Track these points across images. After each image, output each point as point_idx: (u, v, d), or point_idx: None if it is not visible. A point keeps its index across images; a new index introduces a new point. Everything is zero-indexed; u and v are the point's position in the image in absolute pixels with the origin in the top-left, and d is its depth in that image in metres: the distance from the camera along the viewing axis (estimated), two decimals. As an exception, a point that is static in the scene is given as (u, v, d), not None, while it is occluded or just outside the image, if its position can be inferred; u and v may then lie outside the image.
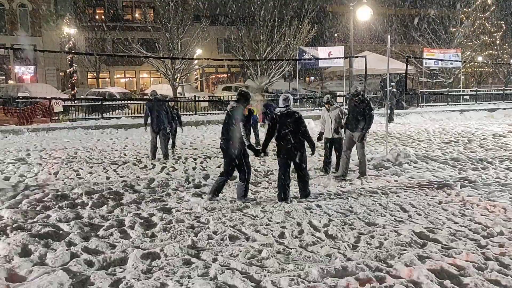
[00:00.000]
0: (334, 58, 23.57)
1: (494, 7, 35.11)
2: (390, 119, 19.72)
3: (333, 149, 9.06)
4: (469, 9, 33.21)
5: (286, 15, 25.56)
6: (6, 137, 16.26)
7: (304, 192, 7.14)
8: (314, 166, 9.53)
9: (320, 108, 21.54)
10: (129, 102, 22.52)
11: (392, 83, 20.60)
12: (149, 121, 10.71)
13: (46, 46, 32.99)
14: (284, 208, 6.44)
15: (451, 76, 32.59)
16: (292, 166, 7.09)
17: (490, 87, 35.86)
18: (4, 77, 34.54)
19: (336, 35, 41.91)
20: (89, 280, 4.20)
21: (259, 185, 8.13)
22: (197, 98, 25.15)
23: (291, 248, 4.96)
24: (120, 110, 22.29)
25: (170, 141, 11.72)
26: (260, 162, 10.22)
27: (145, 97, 26.15)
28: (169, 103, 12.03)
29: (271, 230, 5.56)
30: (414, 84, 34.84)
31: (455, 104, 26.64)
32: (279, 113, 6.94)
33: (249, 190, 7.20)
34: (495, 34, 36.18)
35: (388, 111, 20.07)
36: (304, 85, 37.71)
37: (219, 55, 38.22)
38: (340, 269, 4.32)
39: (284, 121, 6.86)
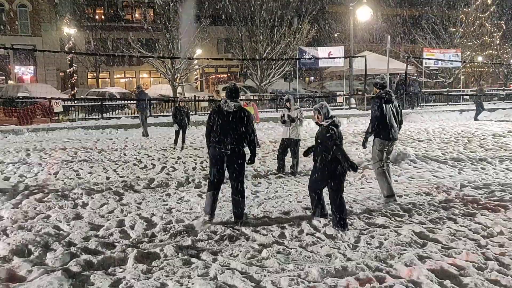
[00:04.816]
0: (334, 58, 23.58)
1: (494, 7, 35.10)
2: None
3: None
4: (469, 9, 33.21)
5: (286, 15, 25.57)
6: (6, 137, 16.24)
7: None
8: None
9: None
10: (129, 102, 22.52)
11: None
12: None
13: (46, 46, 32.97)
14: (284, 208, 6.44)
15: (451, 76, 32.58)
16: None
17: (490, 87, 35.86)
18: (4, 77, 34.52)
19: (336, 35, 41.88)
20: (89, 280, 4.20)
21: (259, 184, 8.13)
22: (197, 98, 25.14)
23: (291, 248, 4.95)
24: (120, 110, 22.28)
25: (180, 137, 12.93)
26: (260, 162, 10.22)
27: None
28: (180, 102, 13.33)
29: (271, 230, 5.56)
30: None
31: (455, 104, 26.64)
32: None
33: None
34: (495, 34, 36.16)
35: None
36: (304, 85, 37.69)
37: (219, 55, 38.20)
38: (340, 269, 4.32)
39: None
